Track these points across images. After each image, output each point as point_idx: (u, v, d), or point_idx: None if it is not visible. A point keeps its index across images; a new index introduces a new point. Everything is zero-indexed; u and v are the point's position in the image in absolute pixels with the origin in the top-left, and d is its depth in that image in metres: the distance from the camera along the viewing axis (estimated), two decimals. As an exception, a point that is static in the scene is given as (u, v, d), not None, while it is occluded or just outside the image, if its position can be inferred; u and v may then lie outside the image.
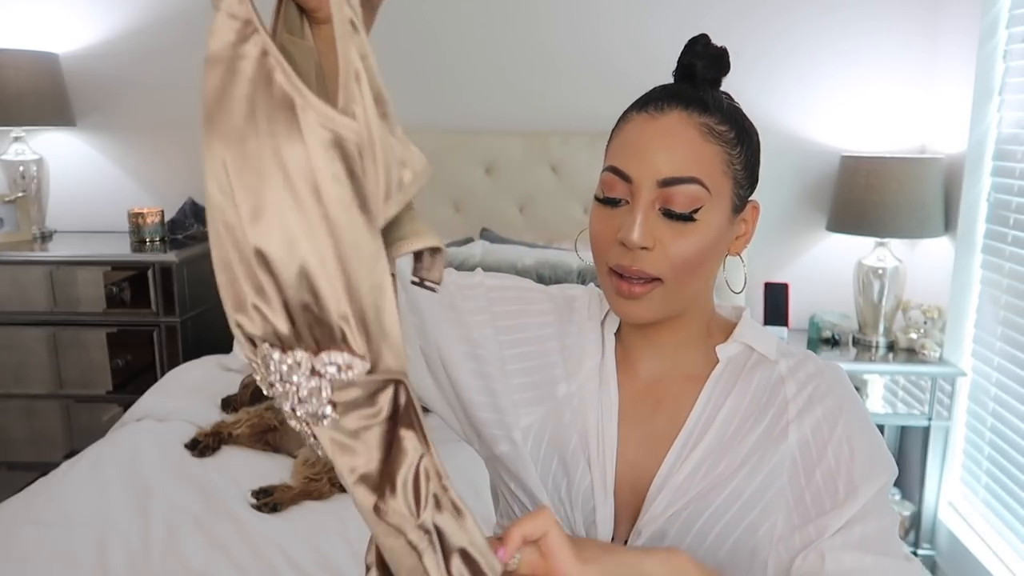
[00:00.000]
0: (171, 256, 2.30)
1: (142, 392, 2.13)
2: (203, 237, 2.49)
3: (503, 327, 0.82)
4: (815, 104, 2.46)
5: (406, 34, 2.50)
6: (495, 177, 2.50)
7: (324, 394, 0.44)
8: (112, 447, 1.81)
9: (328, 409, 0.45)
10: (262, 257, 0.42)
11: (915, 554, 2.20)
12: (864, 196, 2.22)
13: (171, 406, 2.01)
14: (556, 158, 2.47)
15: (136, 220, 2.43)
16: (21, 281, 2.31)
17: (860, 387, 2.41)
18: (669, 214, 0.71)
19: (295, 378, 0.44)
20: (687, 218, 0.71)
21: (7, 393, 2.37)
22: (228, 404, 2.02)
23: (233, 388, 2.08)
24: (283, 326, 0.44)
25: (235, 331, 0.46)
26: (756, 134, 0.78)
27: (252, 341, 0.45)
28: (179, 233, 2.51)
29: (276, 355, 0.45)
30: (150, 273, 2.30)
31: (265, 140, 0.42)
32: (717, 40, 0.78)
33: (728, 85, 0.80)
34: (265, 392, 0.48)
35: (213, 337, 2.46)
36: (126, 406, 2.14)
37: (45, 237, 2.57)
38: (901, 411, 2.33)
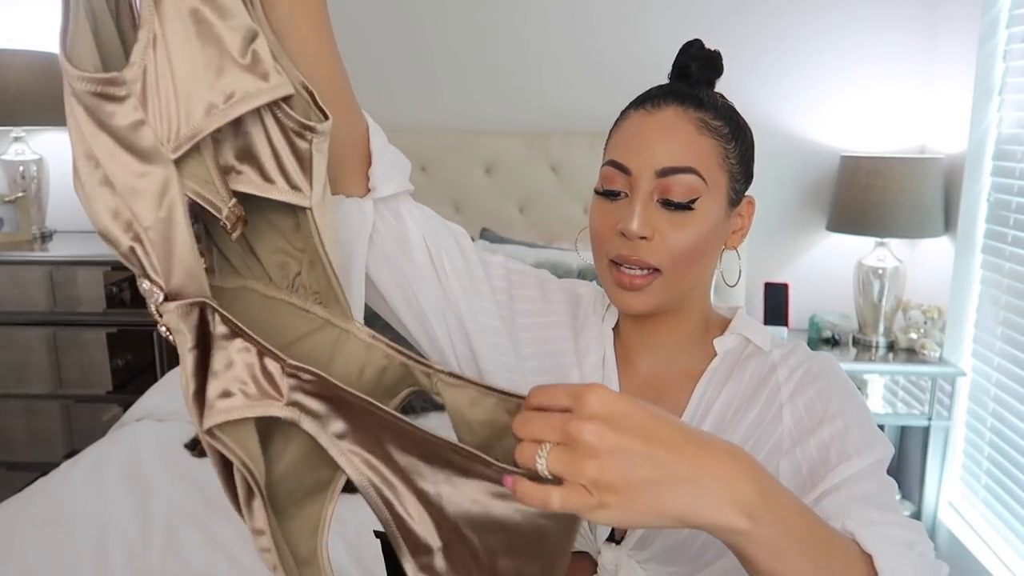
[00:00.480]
0: (171, 256, 2.30)
1: (142, 392, 2.13)
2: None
3: (520, 310, 0.84)
4: (815, 104, 2.45)
5: (406, 35, 2.50)
6: (495, 177, 2.50)
7: (159, 318, 0.50)
8: (112, 447, 1.81)
9: (167, 333, 0.50)
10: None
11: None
12: (864, 196, 2.22)
13: (171, 406, 2.01)
14: (556, 158, 2.47)
15: (136, 220, 2.43)
16: (21, 281, 2.31)
17: (860, 387, 2.41)
18: (667, 204, 0.73)
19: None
20: (685, 207, 0.73)
21: (7, 393, 2.37)
22: (228, 404, 2.02)
23: (233, 388, 2.08)
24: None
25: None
26: (750, 132, 0.80)
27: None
28: (179, 233, 2.51)
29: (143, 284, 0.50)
30: (150, 273, 2.30)
31: (69, 96, 0.47)
32: (718, 39, 0.80)
33: (728, 85, 0.81)
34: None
35: (213, 337, 2.46)
36: (126, 406, 2.14)
37: (45, 237, 2.57)
38: (901, 411, 2.33)
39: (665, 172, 0.72)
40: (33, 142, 2.61)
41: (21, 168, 2.53)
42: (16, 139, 2.55)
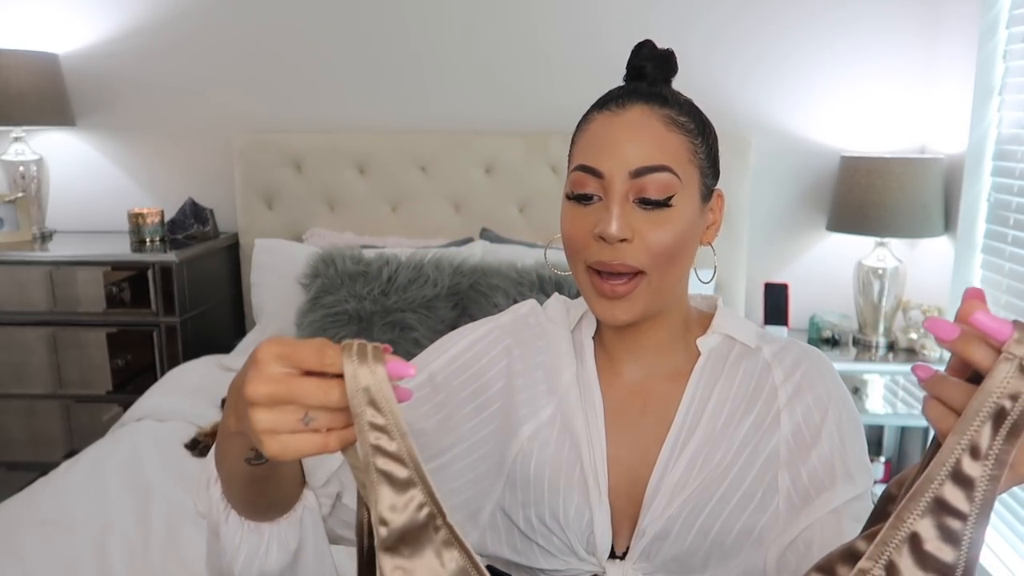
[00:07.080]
0: (171, 256, 2.30)
1: (142, 392, 2.13)
2: (203, 237, 2.49)
3: (454, 413, 0.82)
4: (815, 104, 2.45)
5: (406, 35, 2.50)
6: (495, 177, 2.50)
7: None
8: (112, 447, 1.81)
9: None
10: None
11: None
12: (864, 196, 2.22)
13: (171, 406, 2.01)
14: (556, 158, 2.47)
15: (136, 220, 2.42)
16: (21, 281, 2.31)
17: (860, 387, 2.41)
18: (645, 202, 0.72)
19: None
20: (663, 204, 0.72)
21: (7, 393, 2.37)
22: (228, 404, 2.02)
23: (233, 388, 2.08)
24: None
25: None
26: (713, 127, 0.79)
27: None
28: (179, 233, 2.51)
29: None
30: (150, 273, 2.30)
31: None
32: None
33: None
34: None
35: (213, 337, 2.46)
36: (126, 406, 2.13)
37: (45, 237, 2.56)
38: (901, 411, 2.33)
39: (639, 172, 0.71)
40: (33, 142, 2.61)
41: (21, 168, 2.53)
42: (16, 139, 2.55)
